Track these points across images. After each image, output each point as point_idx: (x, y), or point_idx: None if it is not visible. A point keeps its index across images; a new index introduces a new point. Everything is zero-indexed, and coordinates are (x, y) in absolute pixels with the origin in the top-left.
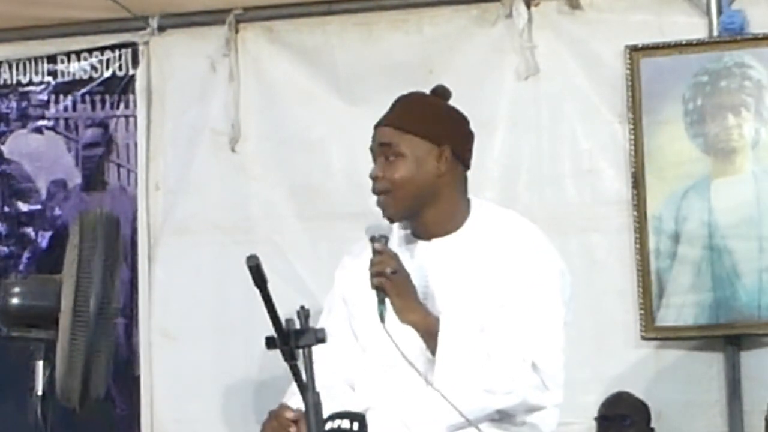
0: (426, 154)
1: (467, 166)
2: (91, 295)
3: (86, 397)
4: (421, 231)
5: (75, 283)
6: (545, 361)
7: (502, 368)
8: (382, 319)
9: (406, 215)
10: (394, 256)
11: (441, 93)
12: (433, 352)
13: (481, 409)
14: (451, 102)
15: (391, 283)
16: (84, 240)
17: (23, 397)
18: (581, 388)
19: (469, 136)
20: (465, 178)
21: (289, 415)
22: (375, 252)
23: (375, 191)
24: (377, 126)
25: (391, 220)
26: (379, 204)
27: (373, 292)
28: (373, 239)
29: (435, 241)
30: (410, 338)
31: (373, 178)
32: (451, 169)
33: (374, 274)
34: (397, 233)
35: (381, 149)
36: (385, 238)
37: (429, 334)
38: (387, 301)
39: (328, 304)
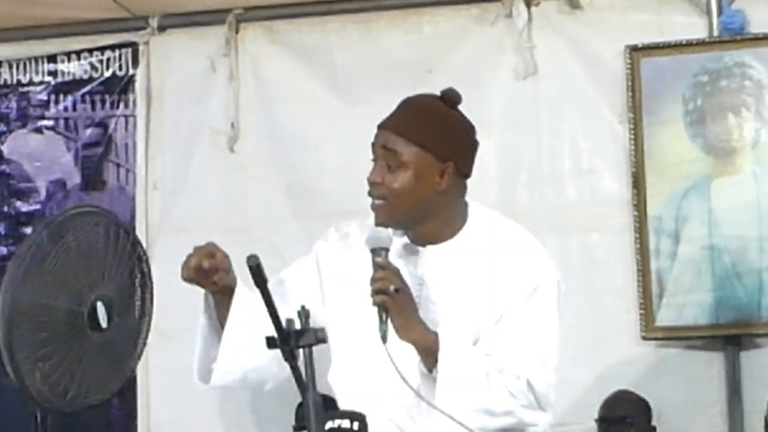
0: (429, 168)
1: (469, 177)
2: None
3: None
4: (416, 238)
5: None
6: (539, 379)
7: (501, 388)
8: (384, 339)
9: (399, 225)
10: (397, 273)
11: (450, 99)
12: (430, 369)
13: (481, 429)
14: None
15: (393, 301)
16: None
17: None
18: (581, 388)
19: (474, 149)
20: (465, 187)
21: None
22: (377, 267)
23: (372, 196)
24: (382, 126)
25: (382, 226)
26: (373, 208)
27: (371, 306)
28: (374, 252)
29: (430, 248)
30: (408, 356)
31: (372, 182)
32: (452, 185)
33: (376, 292)
34: (398, 241)
35: (383, 153)
36: (386, 251)
37: (428, 352)
38: (388, 319)
39: (296, 264)
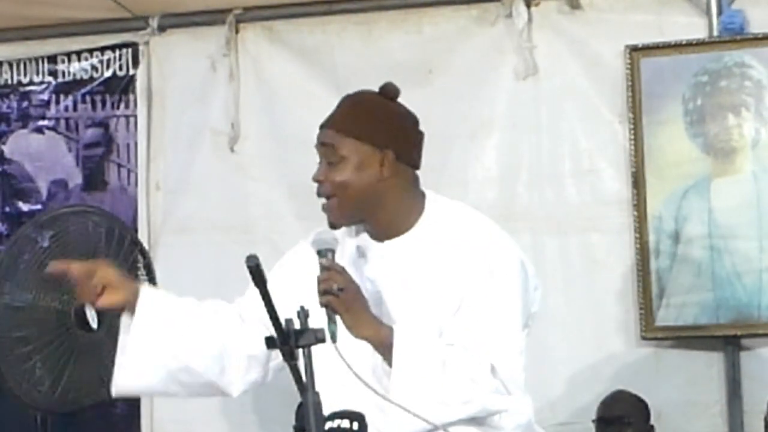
0: (368, 158)
1: (416, 167)
2: None
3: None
4: (374, 233)
5: None
6: (503, 363)
7: (459, 377)
8: (334, 339)
9: (350, 220)
10: (342, 271)
11: (388, 92)
12: (390, 364)
13: (441, 422)
14: (451, 102)
15: (339, 300)
16: None
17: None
18: (581, 388)
19: (414, 137)
20: (415, 178)
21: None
22: (322, 268)
23: (318, 194)
24: (321, 127)
25: (333, 227)
26: (324, 209)
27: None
28: (319, 254)
29: (387, 242)
30: (363, 354)
31: (315, 180)
32: (395, 173)
33: (322, 293)
34: (349, 240)
35: (323, 151)
36: (331, 252)
37: (384, 347)
38: (338, 318)
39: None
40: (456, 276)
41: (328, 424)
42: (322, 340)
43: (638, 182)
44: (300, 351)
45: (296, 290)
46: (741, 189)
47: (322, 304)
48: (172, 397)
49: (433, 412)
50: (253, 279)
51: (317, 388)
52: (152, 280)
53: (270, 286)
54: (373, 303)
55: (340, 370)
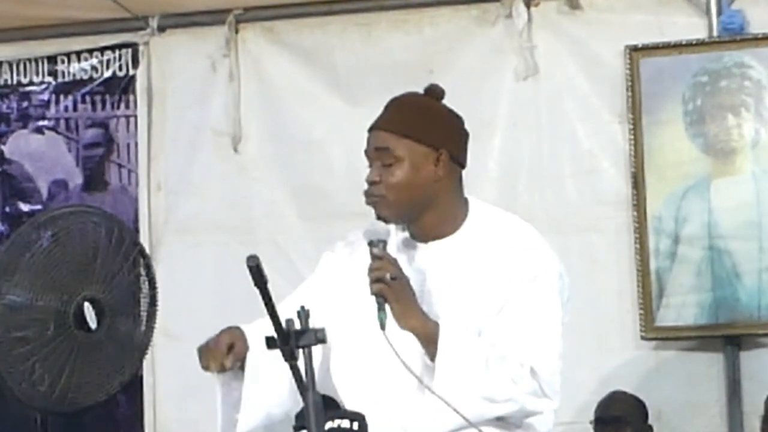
0: (423, 158)
1: (464, 166)
2: None
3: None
4: (419, 234)
5: None
6: (543, 366)
7: (502, 375)
8: (383, 327)
9: (402, 218)
10: (394, 262)
11: (435, 93)
12: (432, 358)
13: (480, 416)
14: (451, 102)
15: (390, 289)
16: None
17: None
18: (581, 388)
19: (465, 137)
20: (461, 179)
21: (225, 340)
22: (374, 257)
23: (371, 195)
24: (372, 129)
25: (385, 221)
26: (373, 204)
27: (371, 297)
28: (371, 244)
29: (432, 243)
30: (409, 344)
31: (370, 182)
32: (448, 173)
33: (374, 280)
34: (395, 236)
35: (377, 153)
36: (383, 243)
37: (428, 340)
38: (387, 307)
39: (306, 282)
40: (499, 279)
41: (328, 424)
42: (323, 341)
43: (638, 182)
44: (300, 351)
45: (344, 283)
46: (741, 189)
47: (373, 292)
48: (174, 397)
49: (473, 408)
50: (253, 279)
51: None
52: (152, 281)
53: (321, 281)
54: (418, 298)
55: (379, 360)
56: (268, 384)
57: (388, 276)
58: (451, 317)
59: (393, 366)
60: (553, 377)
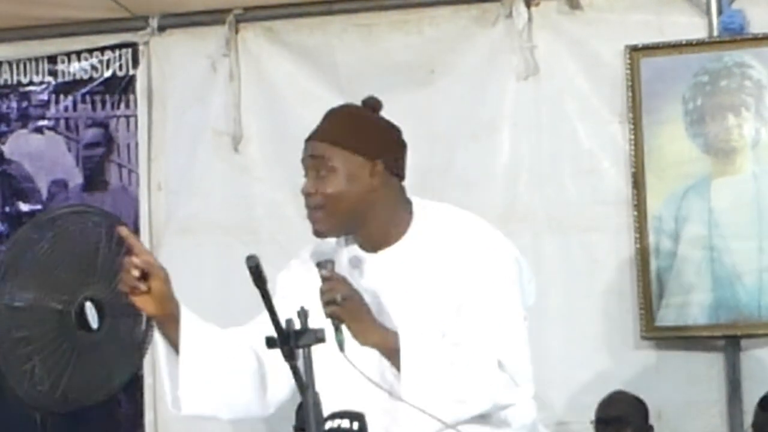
0: (358, 169)
1: (402, 177)
2: None
3: None
4: (366, 244)
5: None
6: (510, 357)
7: (469, 374)
8: (341, 348)
9: (339, 231)
10: (344, 281)
11: (371, 105)
12: (399, 369)
13: (455, 420)
14: (451, 102)
15: (344, 309)
16: None
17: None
18: (581, 388)
19: (401, 148)
20: (401, 188)
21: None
22: (323, 279)
23: (308, 206)
24: (308, 139)
25: (321, 236)
26: (311, 219)
27: (317, 309)
28: (319, 265)
29: (381, 253)
30: (373, 360)
31: (306, 194)
32: (384, 183)
33: (326, 303)
34: (345, 252)
35: (313, 162)
36: (331, 263)
37: (391, 351)
38: (344, 327)
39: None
40: (453, 277)
41: (328, 424)
42: (322, 340)
43: (638, 182)
44: (300, 351)
45: (302, 303)
46: (741, 189)
47: (327, 315)
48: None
49: (445, 411)
50: (253, 279)
51: (320, 392)
52: None
53: (280, 302)
54: (374, 312)
55: (345, 379)
56: (214, 373)
57: (339, 297)
58: (410, 325)
59: (361, 383)
60: (522, 365)
